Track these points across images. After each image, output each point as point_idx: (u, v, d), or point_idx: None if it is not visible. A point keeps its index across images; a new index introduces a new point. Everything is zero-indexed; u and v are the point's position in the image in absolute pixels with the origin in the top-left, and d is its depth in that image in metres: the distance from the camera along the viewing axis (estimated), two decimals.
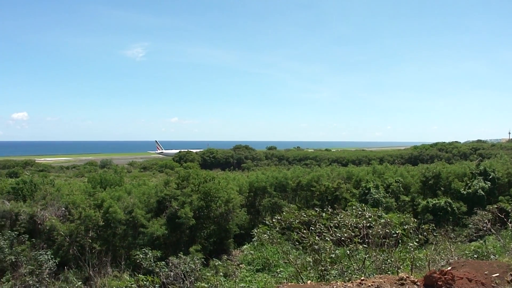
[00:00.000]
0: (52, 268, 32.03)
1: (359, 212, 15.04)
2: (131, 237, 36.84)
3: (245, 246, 37.98)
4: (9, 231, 36.45)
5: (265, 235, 15.13)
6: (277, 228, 14.92)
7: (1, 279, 34.12)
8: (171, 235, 36.64)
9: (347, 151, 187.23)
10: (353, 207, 15.68)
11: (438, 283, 9.63)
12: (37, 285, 30.29)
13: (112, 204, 37.41)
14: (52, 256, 32.70)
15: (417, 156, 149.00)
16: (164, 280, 19.40)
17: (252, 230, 17.23)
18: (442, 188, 52.33)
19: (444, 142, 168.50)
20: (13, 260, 34.25)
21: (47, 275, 31.34)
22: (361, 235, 14.06)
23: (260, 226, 16.04)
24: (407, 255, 13.95)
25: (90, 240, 35.41)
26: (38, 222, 38.70)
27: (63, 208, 39.76)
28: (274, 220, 14.97)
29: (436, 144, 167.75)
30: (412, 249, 13.62)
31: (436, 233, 17.61)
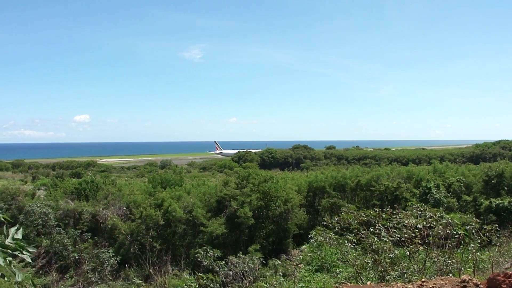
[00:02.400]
0: (113, 266, 32.82)
1: (420, 212, 14.78)
2: (191, 236, 37.22)
3: (304, 246, 37.73)
4: (73, 230, 37.56)
5: (321, 237, 15.11)
6: (336, 229, 14.83)
7: (65, 276, 35.14)
8: (230, 234, 36.79)
9: (407, 150, 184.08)
10: (413, 207, 15.43)
11: (502, 286, 9.38)
12: (99, 282, 31.09)
13: (172, 203, 37.93)
14: (113, 254, 33.53)
15: (479, 154, 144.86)
16: (224, 279, 19.53)
17: (311, 232, 17.16)
18: (505, 188, 50.75)
19: (507, 140, 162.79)
20: (76, 257, 35.27)
21: (109, 273, 32.13)
22: (421, 236, 13.83)
23: (318, 227, 15.96)
24: (470, 257, 13.66)
25: (150, 239, 36.03)
26: (100, 221, 39.68)
27: (124, 208, 40.61)
28: (333, 221, 14.89)
29: (499, 142, 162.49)
30: (474, 250, 13.33)
31: (499, 234, 17.18)
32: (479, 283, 9.93)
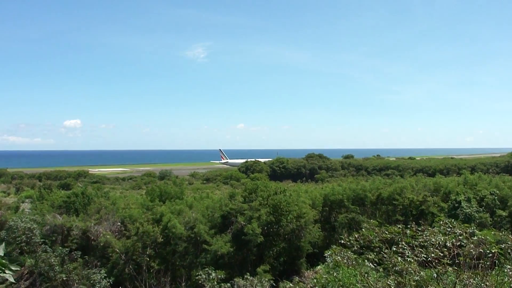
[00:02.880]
0: None
1: (448, 229, 14.68)
2: (193, 255, 37.13)
3: (318, 267, 37.61)
4: (61, 247, 37.45)
5: (338, 257, 15.03)
6: (355, 247, 14.74)
7: None
8: (236, 253, 36.69)
9: (434, 159, 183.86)
10: (441, 223, 15.32)
11: None
12: None
13: (172, 219, 37.91)
14: (106, 275, 33.51)
15: None
16: None
17: (326, 251, 17.09)
18: None
19: None
20: (64, 278, 35.17)
21: None
22: (450, 256, 13.72)
23: (334, 246, 15.89)
24: (505, 280, 13.52)
25: (147, 258, 35.96)
26: (92, 238, 39.64)
27: (119, 223, 40.59)
28: (351, 238, 14.80)
29: None
30: (511, 272, 13.21)
31: None
32: None
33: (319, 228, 42.73)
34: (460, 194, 47.39)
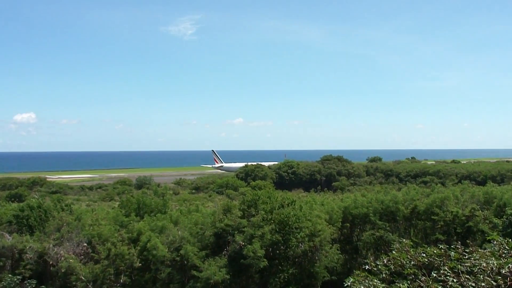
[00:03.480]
0: None
1: (504, 251, 14.60)
2: (179, 283, 37.14)
3: None
4: (10, 275, 37.28)
5: (363, 286, 14.89)
6: (384, 274, 14.67)
7: None
8: (234, 281, 36.65)
9: (484, 163, 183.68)
10: (495, 243, 15.23)
11: None
12: None
13: (153, 238, 37.90)
14: None
15: None
16: None
17: (347, 278, 16.96)
18: None
19: None
20: None
21: None
22: (507, 285, 13.63)
23: (358, 272, 15.79)
24: None
25: None
26: (51, 262, 39.55)
27: (85, 244, 40.52)
28: (379, 263, 14.74)
29: None
30: None
31: None
32: None
33: (338, 249, 42.58)
34: None
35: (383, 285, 14.83)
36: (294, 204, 41.31)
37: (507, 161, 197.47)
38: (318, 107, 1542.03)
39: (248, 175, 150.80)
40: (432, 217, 48.38)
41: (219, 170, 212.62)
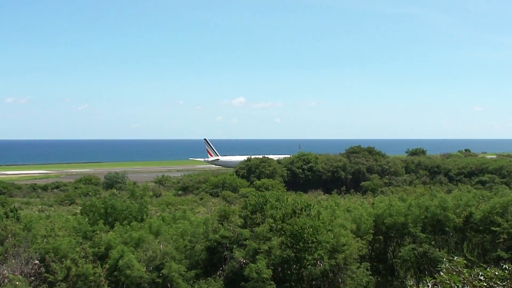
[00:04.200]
0: None
1: None
2: None
3: None
4: None
5: None
6: None
7: None
8: None
9: None
10: None
11: None
12: None
13: (126, 253, 37.87)
14: None
15: None
16: None
17: None
18: None
19: None
20: None
21: None
22: None
23: None
24: None
25: None
26: None
27: (36, 261, 40.54)
28: (422, 287, 14.77)
29: None
30: None
31: None
32: None
33: (367, 269, 42.61)
34: None
35: None
36: (311, 210, 41.19)
37: None
38: (341, 84, 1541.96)
39: (251, 171, 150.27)
40: (492, 228, 48.13)
41: (214, 165, 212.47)
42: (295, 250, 37.85)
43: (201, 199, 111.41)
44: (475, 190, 66.27)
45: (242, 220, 41.09)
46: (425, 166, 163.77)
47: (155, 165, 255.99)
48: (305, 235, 37.94)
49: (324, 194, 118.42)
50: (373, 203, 56.78)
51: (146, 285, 37.22)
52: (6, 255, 40.22)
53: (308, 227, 38.16)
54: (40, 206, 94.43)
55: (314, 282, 38.93)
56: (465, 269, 15.23)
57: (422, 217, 48.29)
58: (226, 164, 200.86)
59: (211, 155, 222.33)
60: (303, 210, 40.63)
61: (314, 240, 38.05)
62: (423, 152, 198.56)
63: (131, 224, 44.75)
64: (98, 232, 42.48)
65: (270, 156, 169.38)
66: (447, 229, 48.97)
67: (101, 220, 45.89)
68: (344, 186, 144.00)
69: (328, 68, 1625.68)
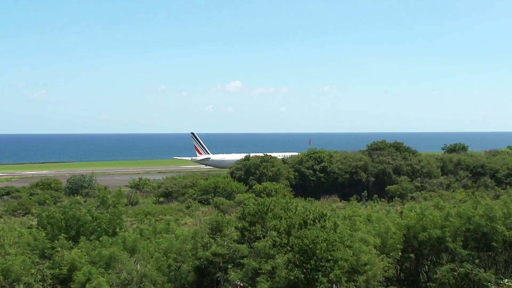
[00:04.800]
0: None
1: None
2: None
3: None
4: None
5: None
6: None
7: None
8: None
9: None
10: None
11: None
12: None
13: (95, 275, 37.90)
14: None
15: None
16: None
17: None
18: None
19: None
20: None
21: None
22: None
23: None
24: None
25: None
26: None
27: None
28: None
29: None
30: None
31: None
32: None
33: None
34: None
35: None
36: (325, 221, 41.14)
37: None
38: (361, 64, 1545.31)
39: (249, 173, 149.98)
40: None
41: (204, 166, 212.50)
42: (305, 270, 37.84)
43: (188, 207, 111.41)
44: None
45: (239, 233, 41.05)
46: (467, 165, 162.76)
47: (131, 166, 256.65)
48: (317, 251, 37.84)
49: (340, 201, 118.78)
50: (401, 212, 56.82)
51: None
52: None
53: (322, 241, 38.07)
54: None
55: None
56: None
57: (463, 229, 48.16)
58: (218, 164, 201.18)
59: (200, 153, 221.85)
60: (317, 221, 40.50)
61: (329, 257, 37.96)
62: (463, 148, 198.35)
63: (100, 239, 44.76)
64: (59, 249, 42.47)
65: (273, 154, 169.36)
66: (494, 244, 48.84)
67: (62, 234, 45.83)
68: (365, 191, 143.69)
69: (345, 44, 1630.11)
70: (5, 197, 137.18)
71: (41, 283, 37.40)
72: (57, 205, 63.53)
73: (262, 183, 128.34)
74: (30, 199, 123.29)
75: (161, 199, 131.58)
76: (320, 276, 37.69)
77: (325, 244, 37.70)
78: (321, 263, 37.76)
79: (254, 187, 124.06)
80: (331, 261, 37.86)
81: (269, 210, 41.42)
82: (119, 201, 59.88)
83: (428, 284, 47.21)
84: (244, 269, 37.55)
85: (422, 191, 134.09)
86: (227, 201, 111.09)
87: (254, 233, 40.42)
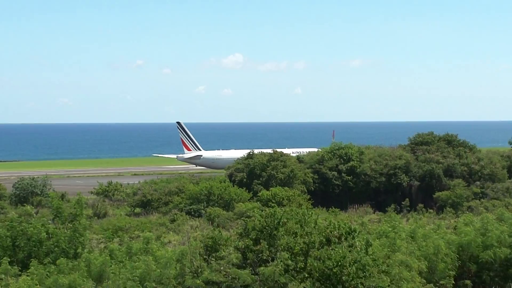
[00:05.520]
0: None
1: None
2: None
3: None
4: None
5: None
6: None
7: None
8: None
9: None
10: None
11: None
12: None
13: None
14: None
15: None
16: None
17: None
18: None
19: None
20: None
21: None
22: None
23: None
24: None
25: None
26: None
27: None
28: None
29: None
30: None
31: None
32: None
33: None
34: None
35: None
36: (353, 238, 40.97)
37: None
38: (401, 34, 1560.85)
39: (254, 175, 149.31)
40: None
41: (193, 165, 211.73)
42: None
43: (173, 221, 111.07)
44: None
45: (240, 255, 40.89)
46: None
47: (97, 166, 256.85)
48: (344, 277, 37.72)
49: (374, 212, 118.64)
50: (455, 227, 56.60)
51: None
52: None
53: (350, 265, 37.90)
54: None
55: None
56: None
57: None
58: (213, 164, 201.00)
59: (189, 149, 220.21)
60: (343, 238, 40.19)
61: (360, 286, 37.91)
62: None
63: (57, 262, 44.62)
64: (3, 276, 42.39)
65: (285, 151, 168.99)
66: None
67: (5, 257, 45.63)
68: (407, 199, 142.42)
69: (380, 8, 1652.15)
70: None
71: None
72: (0, 218, 63.14)
73: (271, 188, 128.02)
74: None
75: (137, 210, 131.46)
76: None
77: (354, 268, 37.45)
78: None
79: (260, 194, 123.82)
80: None
81: (280, 224, 41.22)
82: (81, 213, 59.28)
83: None
84: None
85: (482, 199, 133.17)
86: (224, 212, 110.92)
87: (260, 254, 40.22)
